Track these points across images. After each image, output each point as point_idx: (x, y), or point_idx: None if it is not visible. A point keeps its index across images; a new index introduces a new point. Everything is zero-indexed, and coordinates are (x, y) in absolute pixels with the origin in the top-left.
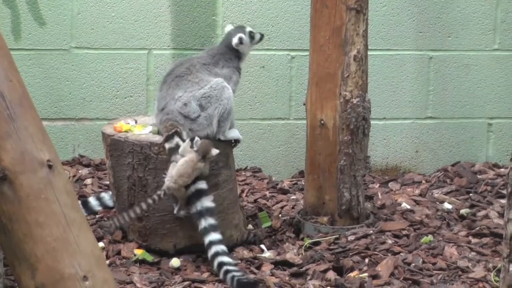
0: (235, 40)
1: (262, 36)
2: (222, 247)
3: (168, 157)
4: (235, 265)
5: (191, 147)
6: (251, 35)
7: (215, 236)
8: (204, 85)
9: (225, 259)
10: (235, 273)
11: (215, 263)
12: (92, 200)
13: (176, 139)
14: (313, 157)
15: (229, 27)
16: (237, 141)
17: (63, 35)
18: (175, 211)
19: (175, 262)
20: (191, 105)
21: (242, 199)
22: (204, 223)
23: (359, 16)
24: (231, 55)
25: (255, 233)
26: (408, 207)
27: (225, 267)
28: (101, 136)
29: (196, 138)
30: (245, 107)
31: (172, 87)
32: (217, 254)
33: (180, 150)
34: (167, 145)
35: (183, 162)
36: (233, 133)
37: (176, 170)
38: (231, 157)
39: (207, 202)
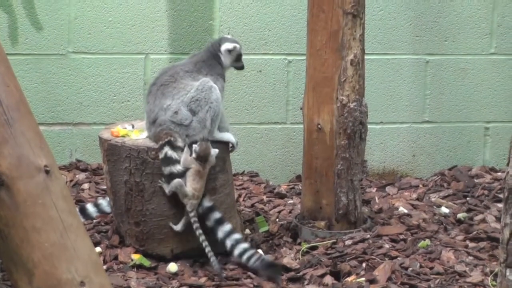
0: (229, 46)
1: (242, 66)
2: (236, 236)
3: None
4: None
5: (191, 155)
6: (238, 57)
7: (226, 227)
8: (190, 89)
9: (243, 245)
10: (257, 256)
11: (236, 253)
12: (90, 207)
13: (166, 149)
14: (310, 162)
15: (227, 37)
16: (234, 146)
17: (60, 40)
18: (178, 228)
19: (172, 267)
20: (181, 112)
21: (239, 204)
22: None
23: (355, 20)
24: (214, 62)
25: (252, 237)
26: (405, 211)
27: (247, 254)
28: (98, 141)
29: (194, 146)
30: (242, 111)
31: (159, 97)
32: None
33: (181, 162)
34: (160, 155)
35: (193, 176)
36: (226, 136)
37: (191, 188)
38: (228, 161)
39: (206, 202)
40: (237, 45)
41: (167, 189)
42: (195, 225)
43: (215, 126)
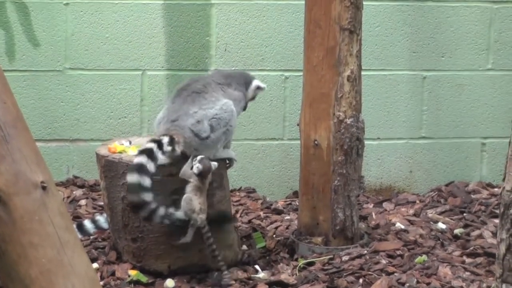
0: (261, 84)
1: (247, 107)
2: None
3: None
4: None
5: (191, 168)
6: (254, 98)
7: None
8: (215, 105)
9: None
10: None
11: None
12: (88, 223)
13: (158, 144)
14: (307, 178)
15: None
16: (231, 162)
17: (57, 56)
18: (188, 239)
19: (169, 283)
20: (203, 123)
21: (236, 220)
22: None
23: (352, 36)
24: (243, 81)
25: (249, 253)
26: (402, 227)
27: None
28: (95, 157)
29: (196, 161)
30: (239, 127)
31: (188, 102)
32: None
33: (181, 172)
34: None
35: (194, 192)
36: (228, 153)
37: (196, 204)
38: (225, 177)
39: None
40: (265, 88)
41: (183, 216)
42: (210, 241)
43: (222, 147)
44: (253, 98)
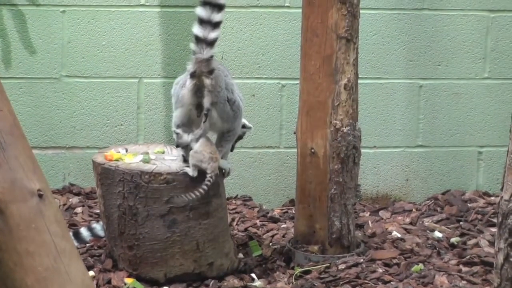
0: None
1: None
2: None
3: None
4: None
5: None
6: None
7: None
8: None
9: None
10: None
11: None
12: (84, 231)
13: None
14: (304, 186)
15: None
16: (226, 172)
17: (53, 63)
18: (195, 174)
19: None
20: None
21: (232, 228)
22: None
23: (349, 45)
24: None
25: (245, 261)
26: (399, 235)
27: None
28: (92, 164)
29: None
30: None
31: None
32: None
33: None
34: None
35: (202, 141)
36: (223, 164)
37: (206, 153)
38: (222, 185)
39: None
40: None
41: (192, 171)
42: (207, 182)
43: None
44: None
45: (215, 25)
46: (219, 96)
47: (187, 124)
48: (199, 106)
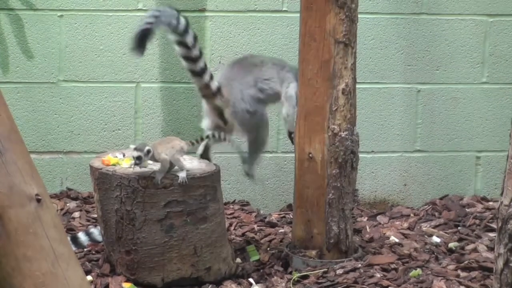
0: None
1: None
2: None
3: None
4: None
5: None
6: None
7: None
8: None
9: None
10: None
11: None
12: (82, 236)
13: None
14: (301, 191)
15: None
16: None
17: (51, 68)
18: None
19: None
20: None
21: (230, 233)
22: None
23: (347, 49)
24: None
25: (243, 266)
26: (397, 240)
27: None
28: (89, 169)
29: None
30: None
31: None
32: None
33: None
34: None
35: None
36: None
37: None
38: (219, 190)
39: None
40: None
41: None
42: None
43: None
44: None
45: (196, 59)
46: (235, 108)
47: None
48: (222, 117)
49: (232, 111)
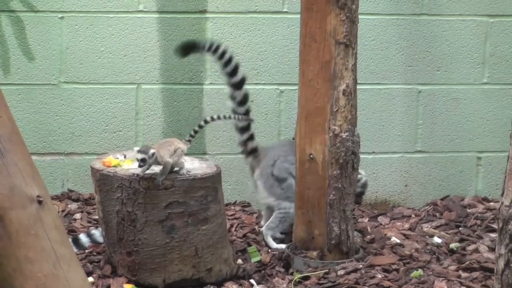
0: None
1: None
2: None
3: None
4: None
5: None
6: None
7: None
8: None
9: None
10: None
11: None
12: (83, 237)
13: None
14: (302, 192)
15: None
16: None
17: (52, 69)
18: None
19: None
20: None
21: (231, 234)
22: None
23: (348, 50)
24: None
25: (244, 267)
26: (398, 241)
27: None
28: (90, 170)
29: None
30: (234, 141)
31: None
32: None
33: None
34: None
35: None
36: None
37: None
38: (220, 191)
39: None
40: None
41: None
42: None
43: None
44: None
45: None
46: (263, 170)
47: None
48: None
49: (259, 172)
